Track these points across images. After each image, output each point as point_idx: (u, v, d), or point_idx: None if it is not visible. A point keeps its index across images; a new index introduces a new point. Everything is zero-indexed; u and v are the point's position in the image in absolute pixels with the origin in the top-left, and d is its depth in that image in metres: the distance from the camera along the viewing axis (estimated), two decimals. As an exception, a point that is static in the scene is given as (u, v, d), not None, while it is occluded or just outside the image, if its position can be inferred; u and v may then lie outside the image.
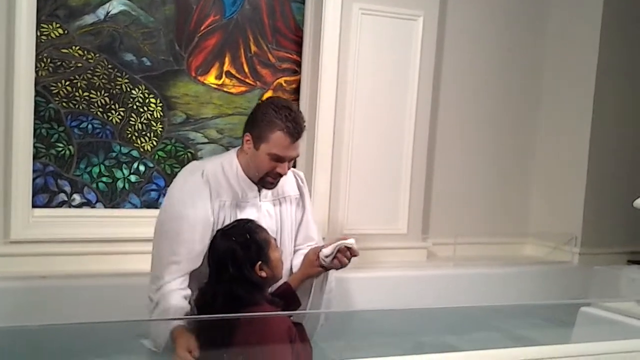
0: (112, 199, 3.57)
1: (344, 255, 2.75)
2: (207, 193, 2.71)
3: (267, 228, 2.73)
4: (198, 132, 3.73)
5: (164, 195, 3.58)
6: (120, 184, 3.58)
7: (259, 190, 2.80)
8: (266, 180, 2.75)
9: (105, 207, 3.54)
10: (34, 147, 3.37)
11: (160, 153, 3.66)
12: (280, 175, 2.75)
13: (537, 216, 4.58)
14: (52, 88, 3.43)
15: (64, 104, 3.46)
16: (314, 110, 3.87)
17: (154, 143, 3.64)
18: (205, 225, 2.67)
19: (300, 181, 2.94)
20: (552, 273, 4.21)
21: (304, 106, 3.90)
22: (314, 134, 3.87)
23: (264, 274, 2.58)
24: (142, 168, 3.62)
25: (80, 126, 3.50)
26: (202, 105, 3.73)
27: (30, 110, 3.31)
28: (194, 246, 2.64)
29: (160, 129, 3.65)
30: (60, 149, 3.46)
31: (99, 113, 3.52)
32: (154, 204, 3.59)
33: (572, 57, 4.42)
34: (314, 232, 2.96)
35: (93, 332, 2.77)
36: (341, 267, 2.78)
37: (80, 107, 3.49)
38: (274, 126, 2.69)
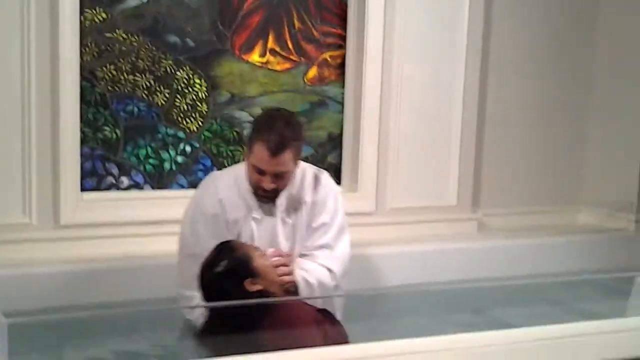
0: (160, 180, 3.59)
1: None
2: (220, 212, 2.74)
3: (284, 239, 2.78)
4: (243, 110, 3.72)
5: (211, 175, 3.63)
6: (167, 166, 3.60)
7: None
8: (258, 193, 2.74)
9: (153, 188, 3.57)
10: (81, 131, 3.39)
11: (206, 133, 3.66)
12: (266, 190, 2.71)
13: (592, 182, 4.47)
14: (97, 72, 3.45)
15: (110, 87, 3.48)
16: (360, 83, 3.83)
17: (200, 123, 3.64)
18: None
19: (317, 182, 2.89)
20: (607, 241, 4.12)
21: (349, 80, 3.87)
22: (361, 106, 3.83)
23: (258, 287, 2.57)
24: (188, 149, 3.63)
25: (126, 109, 3.52)
26: (247, 84, 3.72)
27: (76, 95, 3.34)
28: None
29: (205, 109, 3.65)
30: (107, 132, 3.49)
31: (144, 95, 3.54)
32: (201, 184, 3.61)
33: (628, 13, 4.27)
34: (325, 239, 2.87)
35: (142, 313, 2.82)
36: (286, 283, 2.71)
37: (126, 91, 3.51)
38: (257, 137, 2.68)
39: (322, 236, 2.86)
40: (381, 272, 3.59)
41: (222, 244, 2.66)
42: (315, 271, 2.78)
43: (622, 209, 4.27)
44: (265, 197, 2.76)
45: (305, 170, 2.91)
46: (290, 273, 2.70)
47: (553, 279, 3.57)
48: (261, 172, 2.69)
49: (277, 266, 2.67)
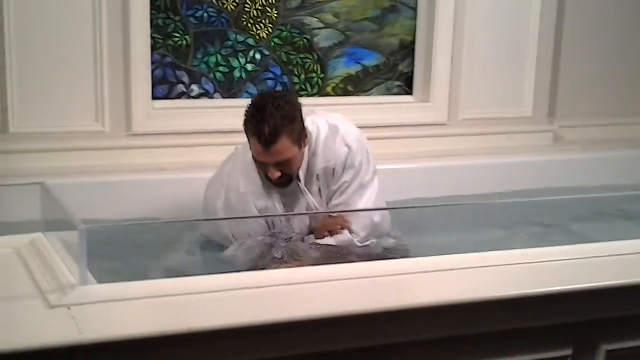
0: (230, 88, 3.55)
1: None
2: (249, 204, 2.66)
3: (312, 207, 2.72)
4: (314, 17, 3.64)
5: (281, 84, 3.59)
6: (237, 74, 3.55)
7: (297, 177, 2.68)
8: (270, 181, 2.63)
9: (223, 97, 3.53)
10: (152, 38, 3.35)
11: (276, 40, 3.59)
12: (271, 179, 2.60)
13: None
14: (167, -23, 3.40)
15: (179, -8, 3.43)
16: (434, -11, 3.70)
17: (270, 30, 3.58)
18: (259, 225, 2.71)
19: (332, 142, 2.73)
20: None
21: (423, -15, 3.75)
22: (435, 12, 3.71)
23: None
24: (258, 56, 3.57)
25: (196, 15, 3.46)
26: (318, -11, 3.63)
27: (146, 1, 3.29)
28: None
29: (275, 15, 3.57)
30: (177, 39, 3.45)
31: (214, 1, 3.47)
32: (271, 93, 3.57)
33: None
34: (343, 197, 2.75)
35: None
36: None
37: (195, -4, 3.45)
38: (248, 131, 2.55)
39: (341, 195, 2.74)
40: (452, 185, 3.53)
41: None
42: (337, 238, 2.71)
43: None
44: (279, 184, 2.64)
45: (318, 131, 2.73)
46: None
47: (631, 192, 3.48)
48: (263, 164, 2.58)
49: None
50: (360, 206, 2.73)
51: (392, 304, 1.90)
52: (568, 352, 2.09)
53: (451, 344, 1.97)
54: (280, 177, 2.60)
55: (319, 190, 2.74)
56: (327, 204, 2.77)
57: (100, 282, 1.88)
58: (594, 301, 2.09)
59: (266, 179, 2.64)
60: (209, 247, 2.76)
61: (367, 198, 2.76)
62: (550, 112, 4.02)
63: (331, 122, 2.78)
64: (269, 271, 2.16)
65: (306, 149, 2.67)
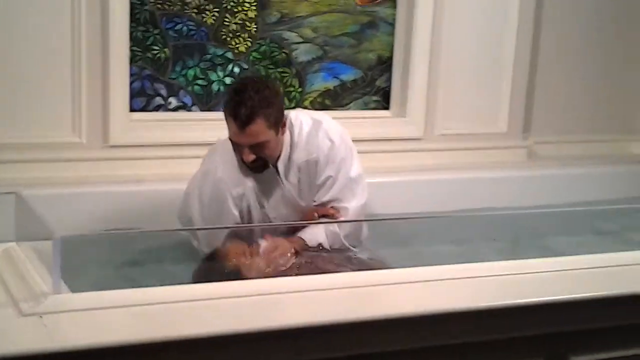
0: (208, 101, 3.56)
1: None
2: (223, 191, 2.68)
3: (291, 200, 2.74)
4: (293, 31, 3.66)
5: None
6: (215, 87, 3.57)
7: (274, 166, 2.71)
8: (246, 165, 2.66)
9: (201, 110, 3.55)
10: (130, 50, 3.37)
11: (254, 54, 3.61)
12: (247, 162, 2.63)
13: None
14: (147, -10, 3.42)
15: (159, 5, 3.43)
16: (412, 4, 3.74)
17: (249, 44, 3.60)
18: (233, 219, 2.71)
19: (314, 135, 2.77)
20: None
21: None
22: (412, 28, 3.75)
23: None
24: (236, 70, 3.59)
25: (175, 28, 3.48)
26: (297, 3, 3.64)
27: (126, 13, 3.30)
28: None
29: (254, 29, 3.60)
30: (156, 51, 3.46)
31: (193, 14, 3.49)
32: (249, 106, 3.58)
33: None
34: (330, 193, 2.77)
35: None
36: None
37: (175, 9, 3.46)
38: (225, 111, 2.62)
39: (329, 190, 2.77)
40: (427, 199, 3.56)
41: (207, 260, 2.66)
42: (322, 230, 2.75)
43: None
44: (253, 168, 2.69)
45: (301, 124, 2.79)
46: (285, 254, 2.65)
47: (603, 207, 3.52)
48: (238, 145, 2.63)
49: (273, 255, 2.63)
50: (353, 202, 2.78)
51: (367, 314, 1.93)
52: (538, 363, 2.12)
53: (423, 355, 2.00)
54: (255, 161, 2.64)
55: (298, 181, 2.77)
56: (312, 199, 2.79)
57: (74, 291, 1.89)
58: (564, 313, 2.12)
59: (241, 162, 2.68)
60: (186, 257, 2.77)
61: (359, 193, 2.82)
62: (525, 127, 4.06)
63: (315, 117, 2.85)
64: (248, 281, 2.17)
65: (286, 140, 2.72)
